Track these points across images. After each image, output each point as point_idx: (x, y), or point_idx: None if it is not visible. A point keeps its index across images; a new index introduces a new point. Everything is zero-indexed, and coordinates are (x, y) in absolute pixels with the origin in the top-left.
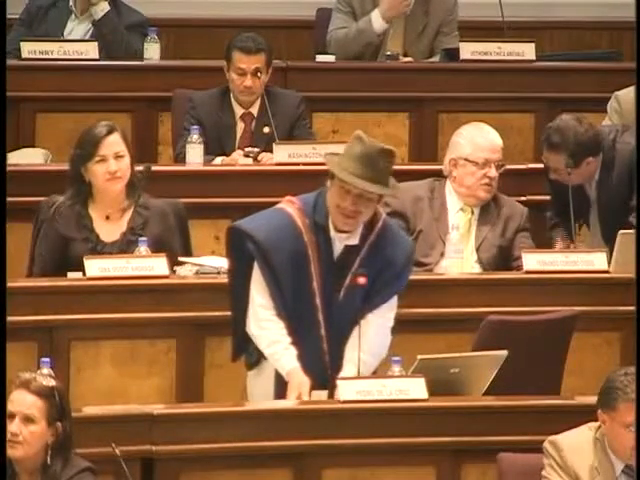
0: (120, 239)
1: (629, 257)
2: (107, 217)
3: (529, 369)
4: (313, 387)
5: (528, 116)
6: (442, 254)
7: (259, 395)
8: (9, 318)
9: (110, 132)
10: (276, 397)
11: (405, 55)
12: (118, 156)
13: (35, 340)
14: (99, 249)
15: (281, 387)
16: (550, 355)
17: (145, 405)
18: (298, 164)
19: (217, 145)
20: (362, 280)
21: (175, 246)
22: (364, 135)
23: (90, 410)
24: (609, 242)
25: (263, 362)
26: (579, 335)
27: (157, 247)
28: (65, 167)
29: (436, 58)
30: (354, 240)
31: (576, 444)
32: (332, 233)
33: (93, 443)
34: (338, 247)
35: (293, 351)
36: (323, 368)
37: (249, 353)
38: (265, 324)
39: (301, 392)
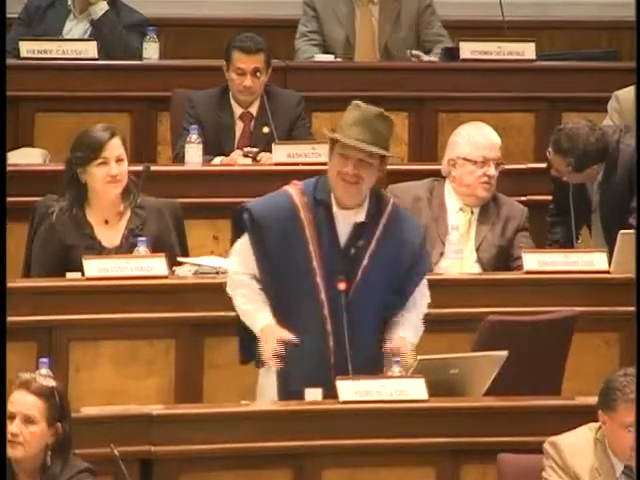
0: (121, 243)
1: (629, 257)
2: (106, 222)
3: (529, 370)
4: (311, 385)
5: (528, 116)
6: (442, 254)
7: (270, 394)
8: (8, 318)
9: (113, 136)
10: (280, 397)
11: (386, 50)
12: (119, 160)
13: (34, 340)
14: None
15: (283, 386)
16: (550, 356)
17: (144, 405)
18: (297, 164)
19: (216, 145)
20: (342, 286)
21: (173, 244)
22: (361, 102)
23: (89, 410)
24: (610, 243)
25: None
26: (579, 335)
27: (155, 245)
28: (63, 167)
29: (435, 57)
30: (360, 217)
31: (576, 445)
32: (335, 209)
33: (92, 444)
34: (344, 227)
35: (267, 311)
36: (326, 367)
37: (255, 352)
38: (240, 289)
39: (276, 339)
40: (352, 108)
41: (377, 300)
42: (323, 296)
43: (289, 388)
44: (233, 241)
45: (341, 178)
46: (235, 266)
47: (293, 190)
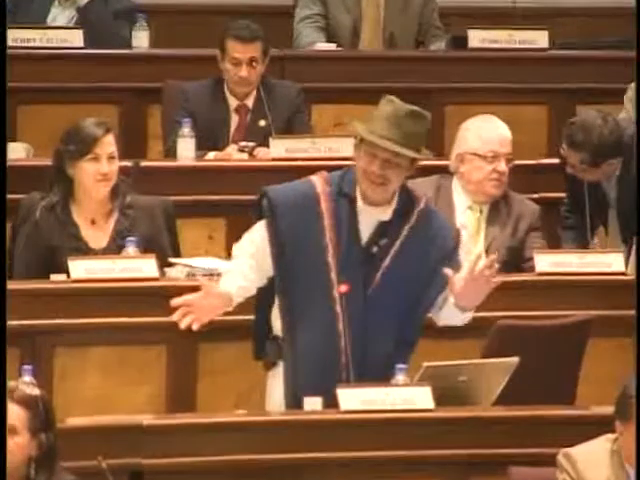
0: (109, 245)
1: None
2: (93, 222)
3: (542, 377)
4: (325, 391)
5: (541, 108)
6: None
7: (278, 398)
8: None
9: (107, 132)
10: (286, 401)
11: (392, 38)
12: (111, 157)
13: (17, 346)
14: None
15: (290, 390)
16: (564, 362)
17: (134, 415)
18: (296, 159)
19: (210, 139)
20: (343, 288)
21: (164, 244)
22: (395, 98)
23: (75, 421)
24: (627, 242)
25: (280, 364)
26: (595, 341)
27: (146, 246)
28: (48, 162)
29: (441, 45)
30: (387, 215)
31: (592, 457)
32: (360, 204)
33: (78, 456)
34: (368, 224)
35: (237, 280)
36: (336, 370)
37: (267, 351)
38: (232, 260)
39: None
40: (384, 103)
41: (397, 303)
42: (336, 292)
43: (297, 393)
44: (252, 224)
45: (367, 177)
46: (240, 244)
47: (318, 179)
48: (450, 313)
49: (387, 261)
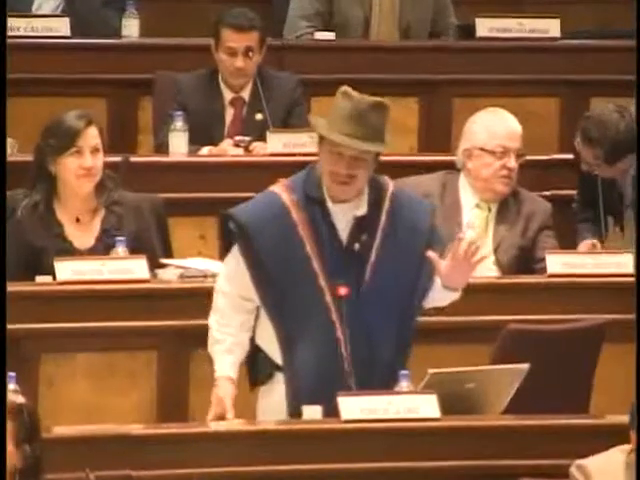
0: (96, 244)
1: None
2: (77, 220)
3: (553, 384)
4: (328, 399)
5: (552, 101)
6: None
7: (273, 416)
8: None
9: (89, 124)
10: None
11: (407, 30)
12: (94, 151)
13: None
14: None
15: (293, 406)
16: (577, 369)
17: (123, 425)
18: (294, 155)
19: (204, 133)
20: (343, 291)
21: (154, 244)
22: (350, 90)
23: (62, 430)
24: None
25: (276, 376)
26: (610, 346)
27: (134, 246)
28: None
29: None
30: (361, 210)
31: (606, 469)
32: (330, 205)
33: (65, 467)
34: (343, 222)
35: (232, 357)
36: (341, 377)
37: (258, 368)
38: (215, 314)
39: (221, 409)
40: (342, 98)
41: (392, 299)
42: (329, 299)
43: (299, 404)
44: (222, 253)
45: (334, 179)
46: (219, 282)
47: (280, 189)
48: (439, 294)
49: (372, 256)
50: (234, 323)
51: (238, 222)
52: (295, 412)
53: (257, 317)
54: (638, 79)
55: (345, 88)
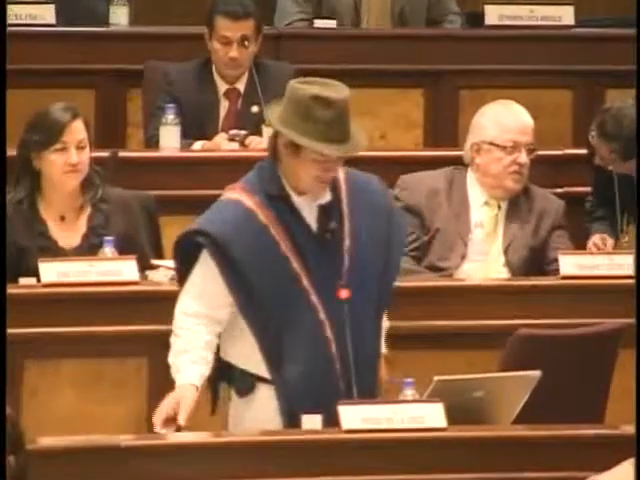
0: (82, 244)
1: None
2: (62, 218)
3: (567, 392)
4: (322, 406)
5: (565, 93)
6: (463, 257)
7: (261, 426)
8: None
9: (75, 117)
10: (284, 425)
11: (401, 15)
12: (80, 146)
13: None
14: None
15: (286, 414)
16: (592, 376)
17: (112, 435)
18: None
19: (197, 127)
20: (344, 294)
21: (143, 244)
22: (305, 83)
23: (47, 441)
24: None
25: (258, 387)
26: (626, 352)
27: (123, 246)
28: (15, 153)
29: (455, 24)
30: (324, 198)
31: None
32: (295, 198)
33: None
34: (310, 214)
35: (200, 368)
36: (334, 379)
37: (235, 382)
38: (181, 333)
39: (172, 411)
40: (312, 103)
41: (372, 283)
42: (314, 299)
43: (292, 411)
44: (180, 281)
45: (318, 182)
46: (182, 305)
47: (239, 193)
48: None
49: (346, 244)
50: (201, 340)
51: (208, 235)
52: (289, 417)
53: (229, 337)
54: (638, 79)
55: (296, 84)
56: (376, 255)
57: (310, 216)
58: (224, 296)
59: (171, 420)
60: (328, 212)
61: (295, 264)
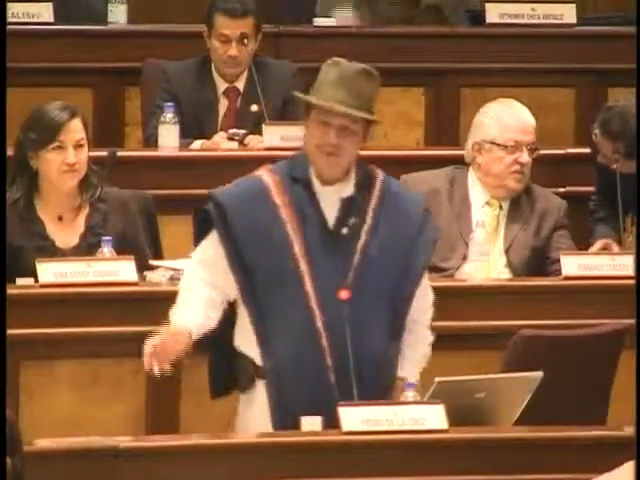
0: (79, 244)
1: None
2: (60, 218)
3: (569, 394)
4: (311, 413)
5: (568, 92)
6: (464, 257)
7: (254, 427)
8: None
9: (73, 116)
10: (274, 428)
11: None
12: (78, 145)
13: None
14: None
15: (277, 416)
16: (594, 377)
17: (109, 437)
18: (292, 149)
19: (196, 126)
20: (344, 294)
21: (142, 244)
22: (341, 59)
23: (44, 443)
24: None
25: (257, 384)
26: (629, 353)
27: (121, 246)
28: (12, 153)
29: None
30: (347, 191)
31: None
32: (317, 186)
33: None
34: (330, 205)
35: (196, 318)
36: (326, 389)
37: (238, 374)
38: (182, 291)
39: (166, 346)
40: (330, 65)
41: (383, 286)
42: (309, 287)
43: (285, 419)
44: (196, 245)
45: (321, 150)
46: (190, 267)
47: (263, 171)
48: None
49: (362, 238)
50: (202, 297)
51: (216, 202)
52: (283, 422)
53: (236, 320)
54: (638, 78)
55: (335, 58)
56: (393, 259)
57: (329, 208)
58: (225, 264)
59: (161, 357)
60: (350, 206)
61: (298, 250)
